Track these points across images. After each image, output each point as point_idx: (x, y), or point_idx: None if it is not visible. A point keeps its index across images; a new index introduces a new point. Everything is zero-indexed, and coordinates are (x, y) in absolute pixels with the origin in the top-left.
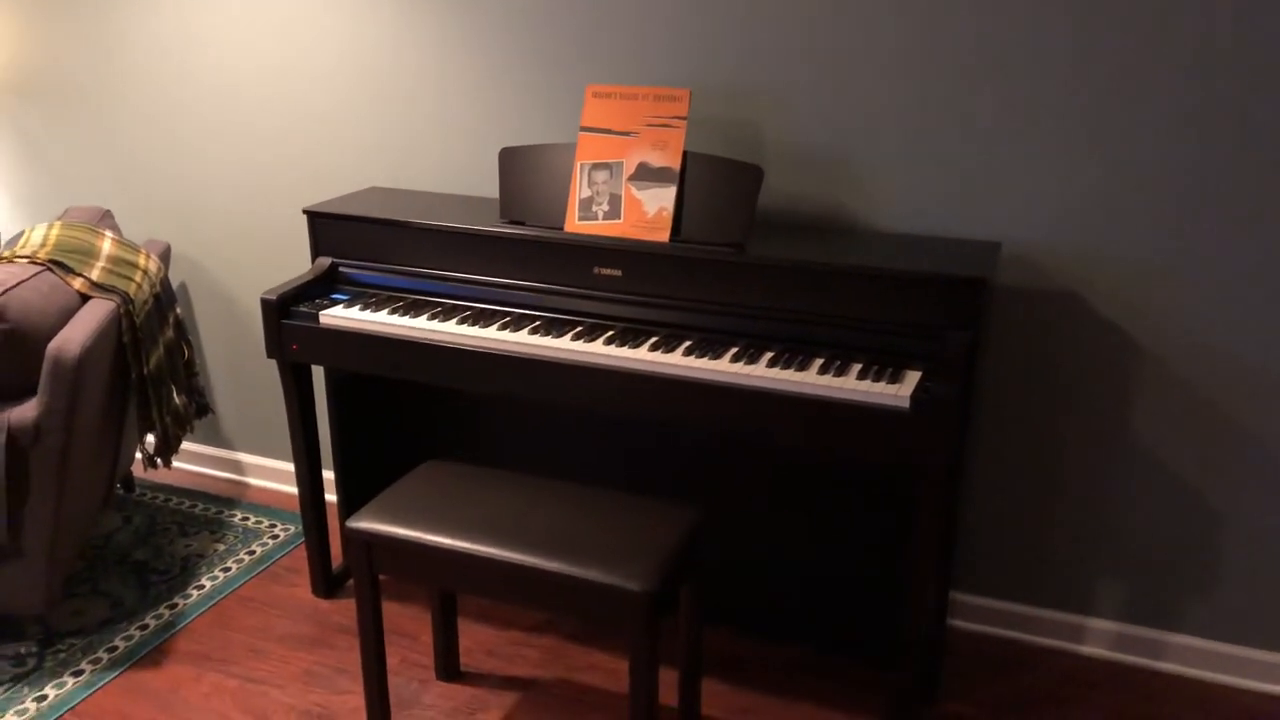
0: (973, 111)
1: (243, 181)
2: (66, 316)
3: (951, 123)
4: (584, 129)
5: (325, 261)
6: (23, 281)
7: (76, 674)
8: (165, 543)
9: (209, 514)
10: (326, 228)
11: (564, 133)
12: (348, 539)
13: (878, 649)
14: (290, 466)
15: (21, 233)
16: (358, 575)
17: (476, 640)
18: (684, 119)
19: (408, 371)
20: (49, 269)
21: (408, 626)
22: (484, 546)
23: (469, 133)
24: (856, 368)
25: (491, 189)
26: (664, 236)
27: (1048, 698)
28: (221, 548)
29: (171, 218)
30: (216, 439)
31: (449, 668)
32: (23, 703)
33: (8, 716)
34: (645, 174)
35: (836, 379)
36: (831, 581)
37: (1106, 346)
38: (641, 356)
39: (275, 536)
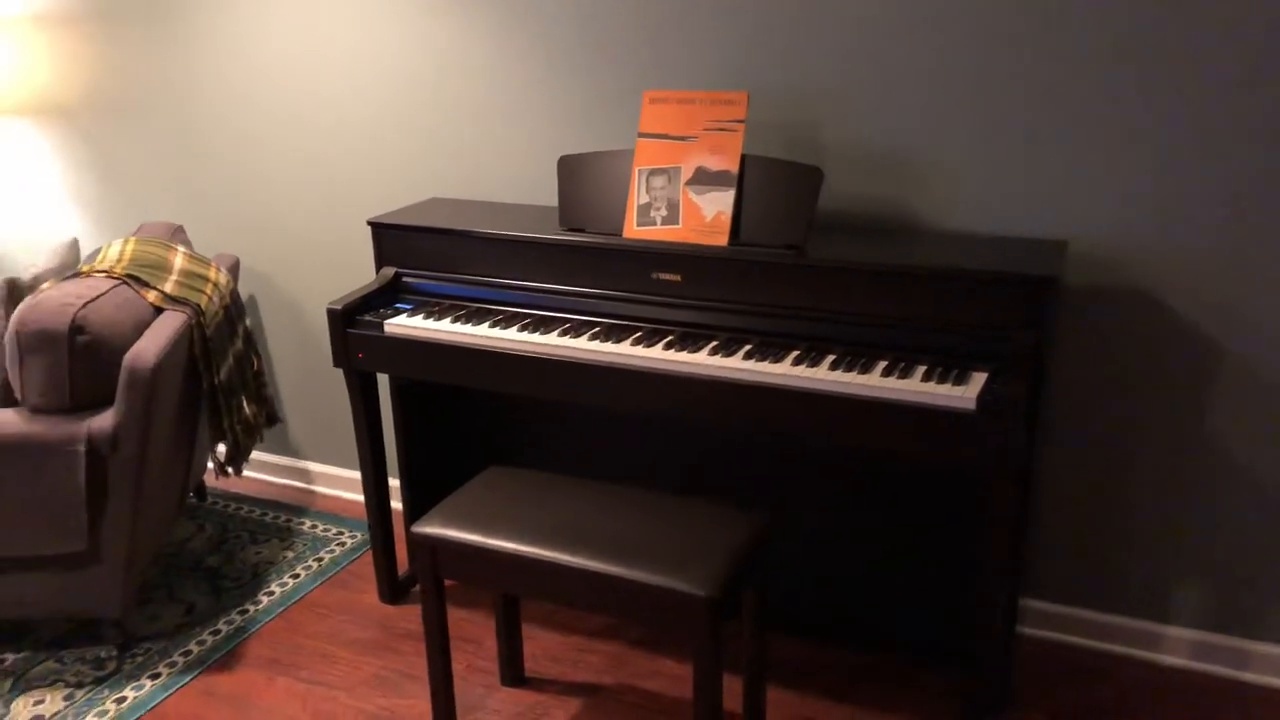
0: (1036, 107)
1: (308, 196)
2: (141, 328)
3: (1014, 119)
4: (642, 135)
5: (389, 271)
6: (101, 295)
7: (153, 677)
8: (236, 550)
9: (278, 522)
10: (390, 238)
11: (621, 139)
12: (413, 544)
13: (946, 656)
14: (356, 474)
15: (99, 249)
16: (423, 580)
17: (540, 645)
18: (742, 122)
19: (470, 378)
20: (125, 283)
21: (472, 632)
22: (548, 551)
23: (527, 142)
24: (921, 369)
25: (550, 197)
26: (723, 240)
27: (1121, 708)
28: (290, 555)
29: (240, 232)
30: (285, 448)
31: (513, 673)
32: (103, 704)
33: (89, 717)
34: (703, 178)
35: (901, 381)
36: (898, 587)
37: (1182, 345)
38: (701, 361)
39: (342, 544)
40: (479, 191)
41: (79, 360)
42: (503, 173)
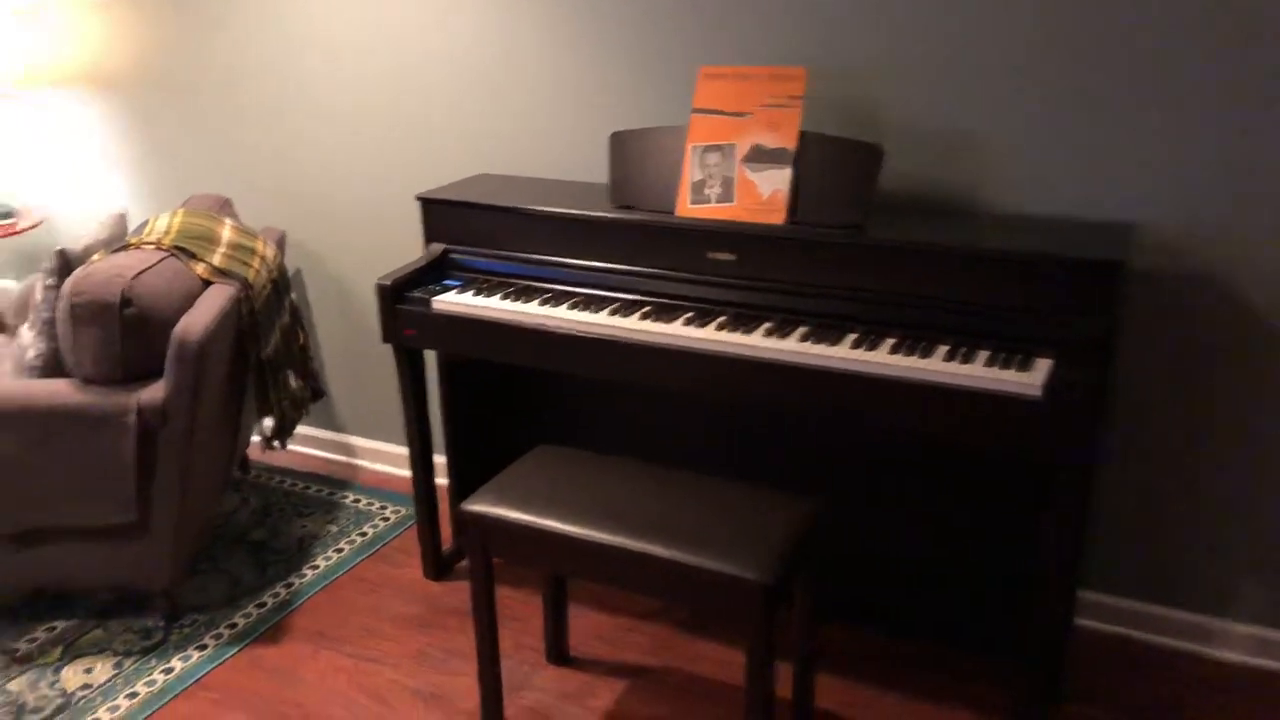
0: (1103, 85)
1: (355, 171)
2: (189, 301)
3: (1081, 97)
4: (696, 111)
5: (438, 247)
6: (149, 267)
7: (200, 648)
8: (281, 523)
9: (322, 496)
10: (439, 214)
11: (673, 115)
12: (462, 521)
13: (999, 646)
14: (400, 450)
15: (147, 221)
16: (472, 558)
17: (586, 625)
18: (799, 98)
19: (519, 357)
20: (173, 255)
21: (518, 610)
22: (601, 533)
23: (578, 118)
24: (983, 355)
25: (600, 174)
26: (779, 219)
27: (1178, 702)
28: (335, 529)
29: (287, 206)
30: (329, 422)
31: (559, 652)
32: (151, 675)
33: (137, 687)
34: (759, 155)
35: (963, 366)
36: (952, 575)
37: (1252, 332)
38: (756, 343)
39: (386, 519)
40: (527, 167)
41: (129, 332)
42: (551, 148)
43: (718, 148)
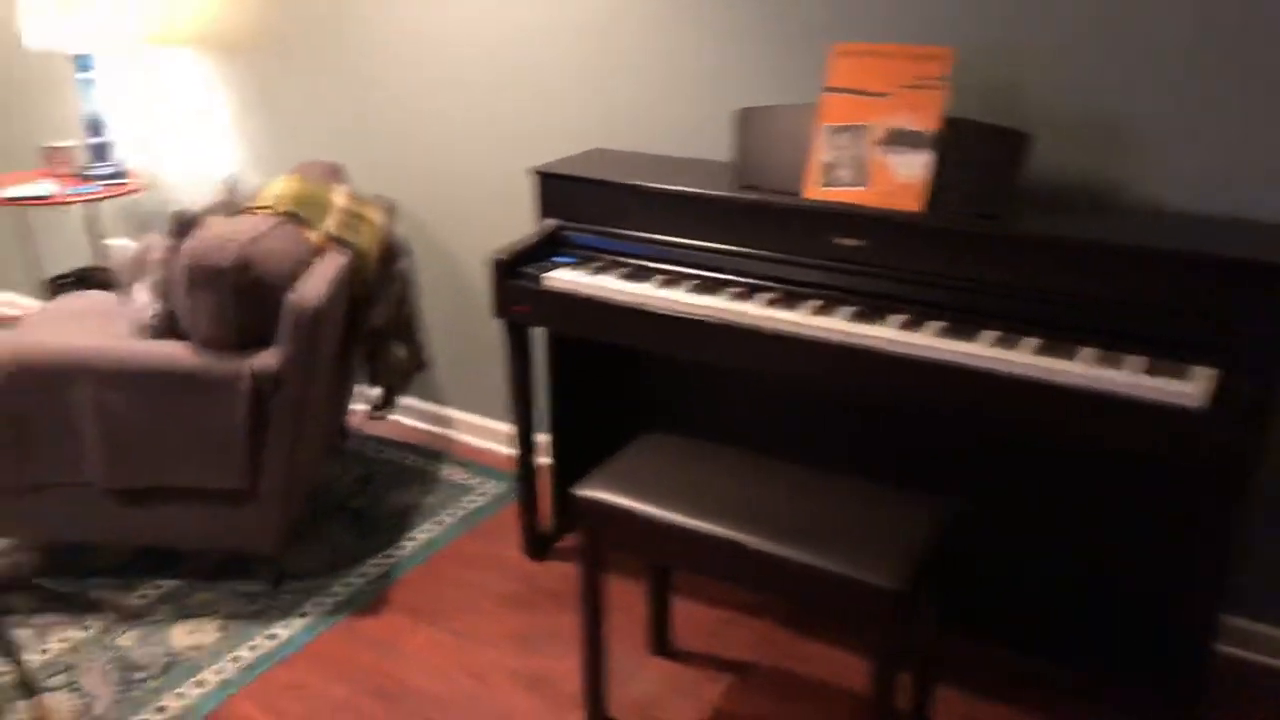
0: (1276, 72)
1: (464, 141)
2: (302, 268)
3: (1251, 85)
4: (829, 89)
5: (551, 223)
6: (265, 233)
7: (302, 615)
8: (380, 493)
9: (420, 466)
10: (554, 189)
11: (798, 93)
12: (574, 508)
13: (1134, 669)
14: (498, 425)
15: (261, 185)
16: (583, 545)
17: (688, 616)
18: (943, 80)
19: (633, 339)
20: (287, 221)
21: (618, 597)
22: (720, 528)
23: (697, 93)
24: (1133, 359)
25: (717, 152)
26: (915, 205)
27: None
28: (432, 501)
29: (397, 175)
30: (427, 393)
31: (661, 643)
32: (254, 639)
33: (241, 650)
34: (896, 138)
35: (1113, 371)
36: (1087, 591)
37: None
38: (887, 335)
39: (483, 493)
40: (642, 143)
41: (243, 297)
42: (668, 124)
43: (851, 128)
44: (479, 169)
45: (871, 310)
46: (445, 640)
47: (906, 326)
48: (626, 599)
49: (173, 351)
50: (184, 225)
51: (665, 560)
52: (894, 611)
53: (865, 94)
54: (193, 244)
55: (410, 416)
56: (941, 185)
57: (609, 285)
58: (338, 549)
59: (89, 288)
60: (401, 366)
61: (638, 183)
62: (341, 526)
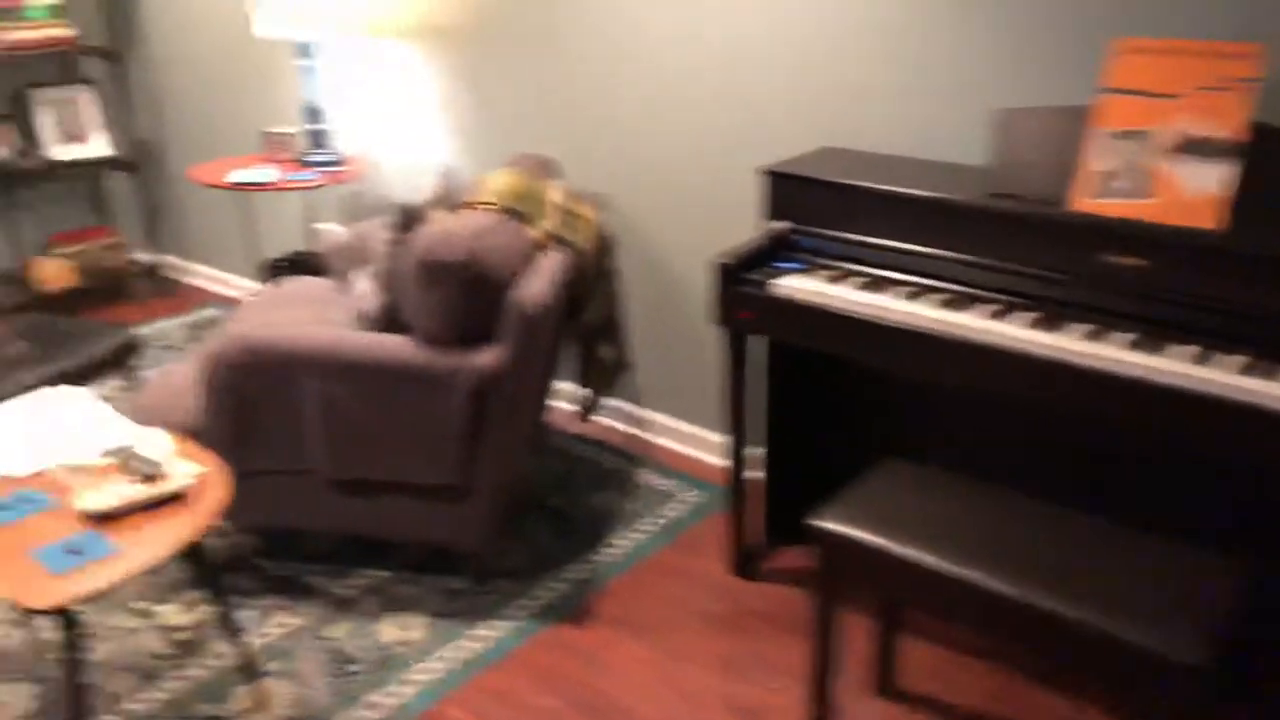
0: None
1: (679, 135)
2: (524, 265)
3: None
4: (1108, 90)
5: (779, 226)
6: (491, 230)
7: (508, 618)
8: (578, 493)
9: (617, 469)
10: (783, 189)
11: (1057, 94)
12: (810, 538)
13: None
14: (700, 432)
15: (477, 179)
16: (818, 578)
17: (916, 655)
18: (1250, 81)
19: (869, 354)
20: (508, 217)
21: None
22: (978, 573)
23: (939, 90)
24: None
25: (958, 153)
26: (1210, 223)
27: None
28: (631, 507)
29: (608, 170)
30: (626, 393)
31: (886, 683)
32: (460, 640)
33: (447, 650)
34: (1189, 146)
35: None
36: None
37: None
38: (1183, 370)
39: (684, 502)
40: (873, 142)
41: (470, 294)
42: (905, 123)
43: (1133, 134)
44: (694, 165)
45: (1152, 339)
46: (652, 657)
47: (1198, 360)
48: (847, 631)
49: (399, 347)
50: (408, 218)
51: (907, 600)
52: (1198, 691)
53: (1152, 95)
54: (423, 239)
55: (607, 416)
56: (1245, 201)
57: (847, 296)
58: (538, 549)
59: (301, 272)
60: (609, 367)
61: (885, 187)
62: (541, 526)
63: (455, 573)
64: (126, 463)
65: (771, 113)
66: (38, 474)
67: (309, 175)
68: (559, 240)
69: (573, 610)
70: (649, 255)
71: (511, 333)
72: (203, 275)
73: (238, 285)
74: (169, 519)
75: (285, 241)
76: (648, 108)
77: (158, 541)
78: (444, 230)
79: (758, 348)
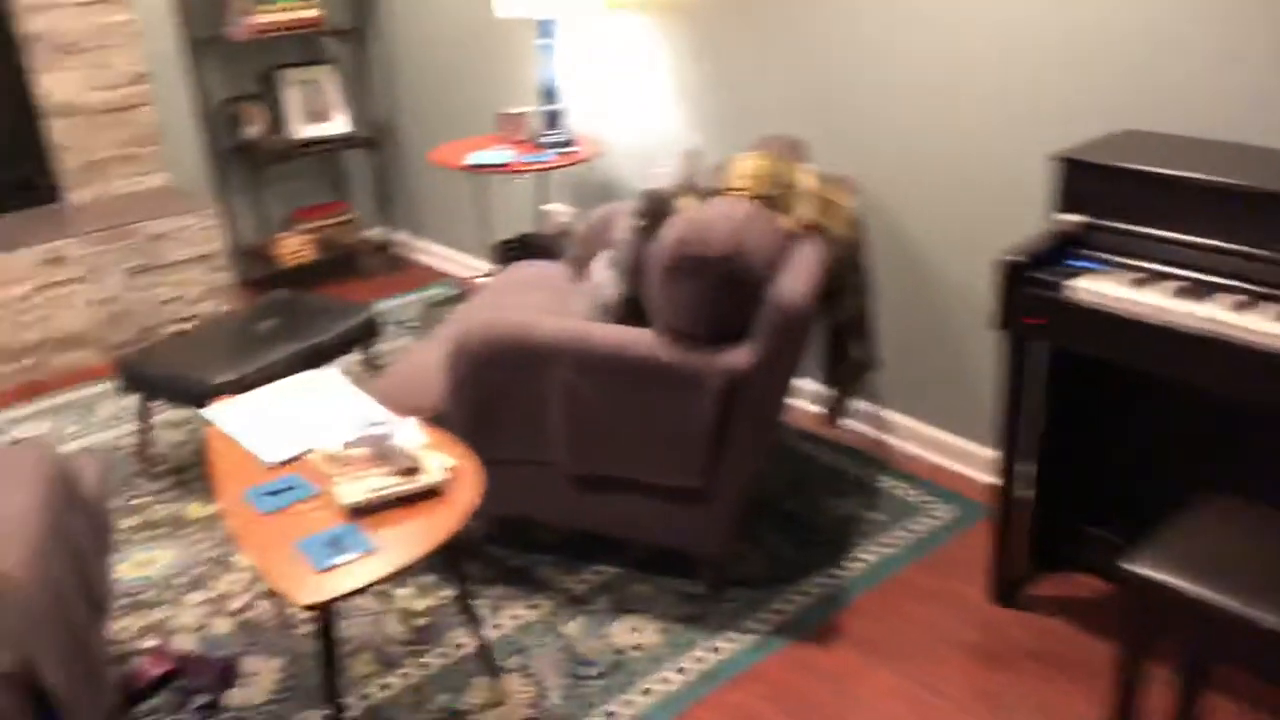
0: None
1: (951, 118)
2: (779, 258)
3: None
4: None
5: (1074, 220)
6: (747, 220)
7: (745, 631)
8: (816, 498)
9: (857, 474)
10: (1080, 178)
11: None
12: (1125, 585)
13: None
14: (951, 438)
15: (723, 162)
16: (1127, 627)
17: (1219, 713)
18: None
19: (1190, 374)
20: (761, 205)
21: (1093, 662)
22: None
23: (1269, 61)
24: None
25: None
26: None
27: None
28: (876, 518)
29: (862, 153)
30: (869, 393)
31: None
32: (695, 650)
33: (685, 661)
34: None
35: None
36: None
37: None
38: None
39: (934, 516)
40: (1185, 124)
41: (725, 290)
42: (1221, 100)
43: None
44: (964, 149)
45: None
46: (905, 689)
47: None
48: (1098, 663)
49: (644, 341)
50: (655, 205)
51: (1232, 660)
52: None
53: None
54: (675, 228)
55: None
56: None
57: (1162, 304)
58: (776, 557)
59: (531, 253)
60: (857, 366)
61: (1215, 178)
62: (777, 532)
63: (688, 575)
64: (383, 454)
65: (1057, 90)
66: (297, 459)
67: (544, 156)
68: (816, 231)
69: (816, 628)
70: (903, 246)
71: (767, 332)
72: (432, 253)
73: (467, 264)
74: (425, 516)
75: (515, 221)
76: (915, 83)
77: (414, 540)
78: (699, 220)
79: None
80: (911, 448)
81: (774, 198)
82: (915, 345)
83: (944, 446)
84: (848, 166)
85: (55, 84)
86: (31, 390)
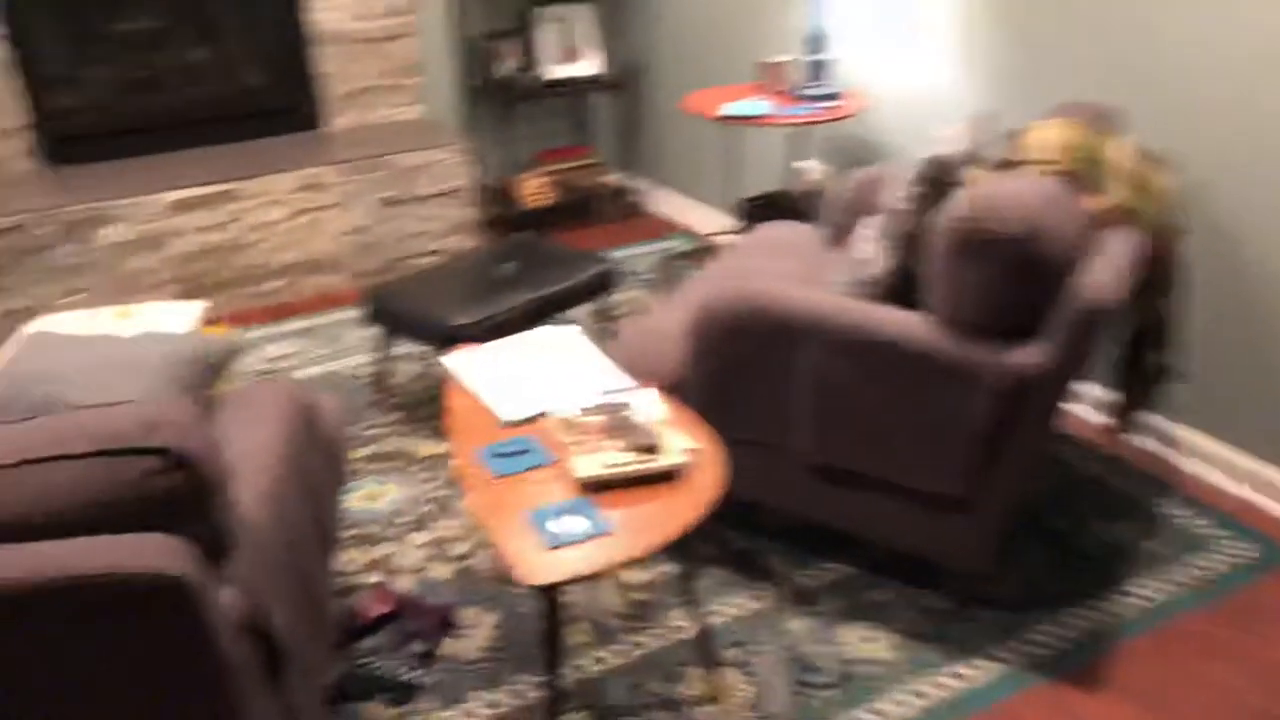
0: None
1: None
2: (1079, 244)
3: None
4: None
5: None
6: (1051, 198)
7: (993, 659)
8: (1085, 517)
9: (1134, 495)
10: None
11: None
12: None
13: None
14: (1260, 466)
15: (1018, 130)
16: None
17: None
18: None
19: None
20: (1065, 181)
21: None
22: None
23: None
24: None
25: None
26: None
27: None
28: (1154, 549)
29: (1180, 121)
30: (1162, 406)
31: None
32: (934, 674)
33: (922, 684)
34: None
35: None
36: None
37: None
38: None
39: (1228, 555)
40: None
41: (1019, 278)
42: None
43: None
44: None
45: None
46: None
47: None
48: None
49: (921, 328)
50: (939, 174)
51: None
52: None
53: None
54: (964, 202)
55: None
56: None
57: None
58: (1034, 580)
59: (777, 213)
60: (1154, 374)
61: None
62: (1038, 551)
63: (931, 586)
64: (620, 425)
65: None
66: (532, 421)
67: (805, 109)
68: (1126, 214)
69: (1077, 668)
70: (1229, 240)
71: (1066, 330)
72: (672, 203)
73: (707, 218)
74: (663, 501)
75: (762, 177)
76: (1258, 45)
77: (649, 526)
78: (993, 194)
79: None
80: (1207, 473)
81: (1081, 175)
82: (1229, 358)
83: (1251, 476)
84: (1166, 141)
85: (324, 13)
86: (283, 311)
